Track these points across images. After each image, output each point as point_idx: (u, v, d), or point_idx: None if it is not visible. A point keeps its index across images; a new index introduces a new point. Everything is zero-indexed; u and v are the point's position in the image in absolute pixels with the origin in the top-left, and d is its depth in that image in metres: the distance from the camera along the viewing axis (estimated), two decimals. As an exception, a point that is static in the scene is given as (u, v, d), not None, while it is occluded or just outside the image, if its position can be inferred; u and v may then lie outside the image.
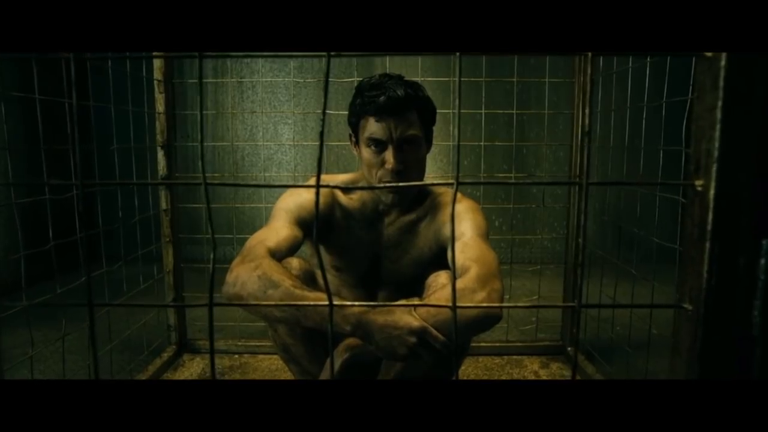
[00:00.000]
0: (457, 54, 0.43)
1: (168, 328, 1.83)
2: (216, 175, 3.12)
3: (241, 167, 3.34)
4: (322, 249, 1.25)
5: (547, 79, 1.72)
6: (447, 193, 1.25)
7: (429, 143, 1.19)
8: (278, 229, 1.09)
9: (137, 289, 1.63)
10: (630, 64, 1.36)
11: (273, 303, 0.94)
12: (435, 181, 0.41)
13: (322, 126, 0.42)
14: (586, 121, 0.38)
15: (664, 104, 1.15)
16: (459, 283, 0.96)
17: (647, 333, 1.41)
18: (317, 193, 0.43)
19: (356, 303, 0.46)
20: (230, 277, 0.98)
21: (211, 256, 0.45)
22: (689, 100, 1.06)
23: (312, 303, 0.91)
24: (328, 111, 1.97)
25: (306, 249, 1.30)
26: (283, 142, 3.31)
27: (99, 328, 1.62)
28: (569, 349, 1.81)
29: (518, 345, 1.87)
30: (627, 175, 1.42)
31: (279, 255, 1.04)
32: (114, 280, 1.53)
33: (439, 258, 1.19)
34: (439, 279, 1.07)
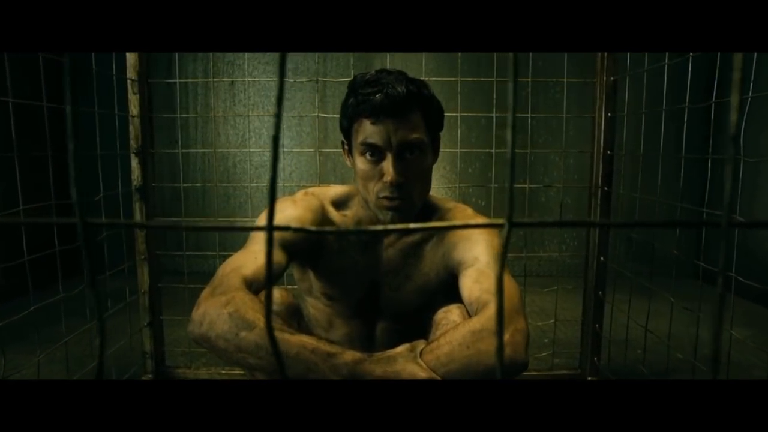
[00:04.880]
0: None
1: (143, 355, 1.65)
2: (197, 185, 2.94)
3: (232, 175, 3.16)
4: (311, 275, 1.07)
5: (565, 80, 1.55)
6: (457, 208, 1.07)
7: (435, 152, 1.01)
8: (257, 254, 0.91)
9: (107, 314, 1.45)
10: (666, 61, 1.19)
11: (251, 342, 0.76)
12: (478, 222, 0.23)
13: (277, 131, 0.25)
14: (733, 118, 0.21)
15: (713, 105, 0.97)
16: (476, 323, 0.79)
17: (679, 359, 1.24)
18: (269, 240, 0.26)
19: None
20: (196, 314, 0.81)
21: (98, 339, 0.27)
22: (749, 99, 0.89)
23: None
24: (323, 114, 1.79)
25: (294, 273, 1.12)
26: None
27: (59, 355, 1.42)
28: (590, 379, 1.62)
29: (533, 374, 1.69)
30: (643, 182, 1.26)
31: (256, 285, 0.87)
32: (102, 299, 1.36)
33: (448, 285, 1.01)
34: (450, 316, 0.89)
